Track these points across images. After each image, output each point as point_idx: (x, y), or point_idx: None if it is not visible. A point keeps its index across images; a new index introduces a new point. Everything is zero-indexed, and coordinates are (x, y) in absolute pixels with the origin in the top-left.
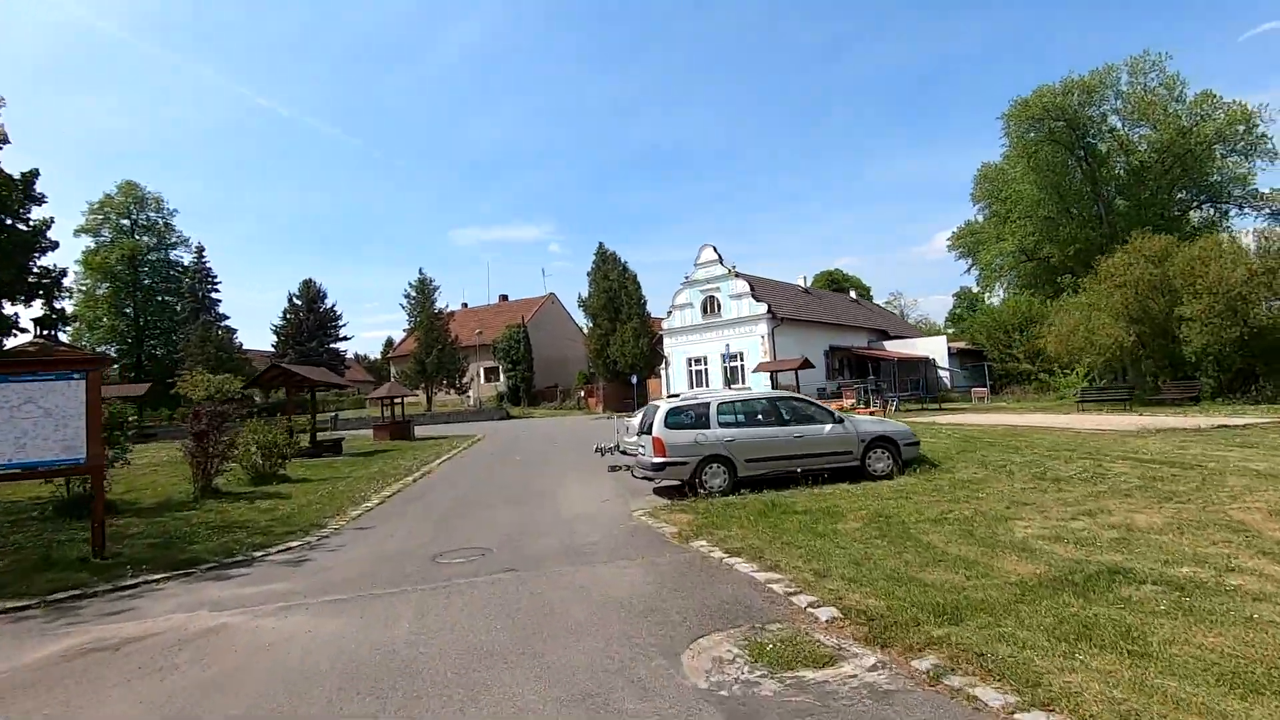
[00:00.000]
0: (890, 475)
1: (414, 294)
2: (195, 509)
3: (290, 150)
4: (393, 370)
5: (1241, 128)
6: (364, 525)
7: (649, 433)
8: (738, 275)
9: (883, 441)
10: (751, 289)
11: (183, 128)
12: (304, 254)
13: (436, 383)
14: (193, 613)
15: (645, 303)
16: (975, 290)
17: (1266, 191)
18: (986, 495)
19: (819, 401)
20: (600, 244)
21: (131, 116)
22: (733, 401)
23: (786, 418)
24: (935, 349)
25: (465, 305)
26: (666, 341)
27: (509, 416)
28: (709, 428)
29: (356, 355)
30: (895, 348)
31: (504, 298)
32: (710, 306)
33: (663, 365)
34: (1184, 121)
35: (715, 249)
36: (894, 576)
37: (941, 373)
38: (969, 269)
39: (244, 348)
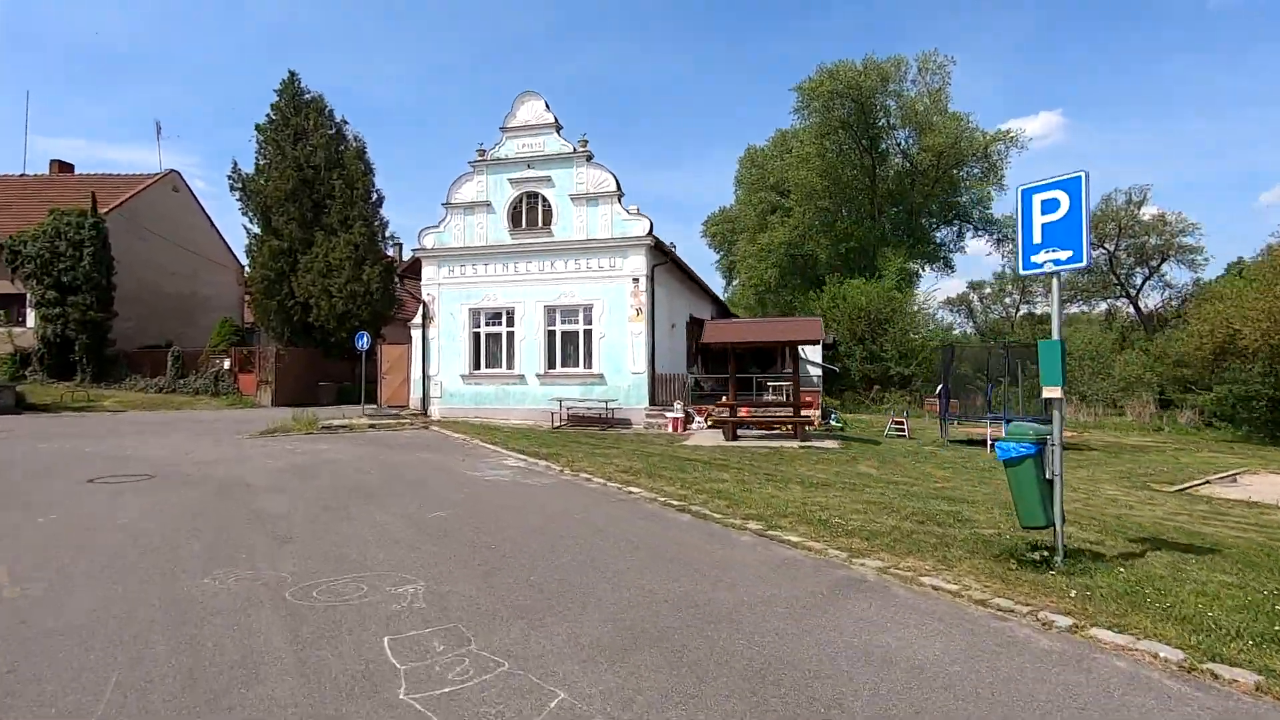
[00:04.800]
0: None
1: None
2: None
3: None
4: None
5: (1002, 146)
6: None
7: None
8: (592, 160)
9: None
10: (618, 189)
11: None
12: None
13: None
14: None
15: (379, 200)
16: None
17: (1000, 217)
18: None
19: None
20: (291, 73)
21: None
22: None
23: None
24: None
25: None
26: (428, 272)
27: (22, 407)
28: None
29: None
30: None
31: (63, 166)
32: (529, 212)
33: (420, 319)
34: (944, 137)
35: (547, 104)
36: None
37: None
38: (721, 258)
39: None
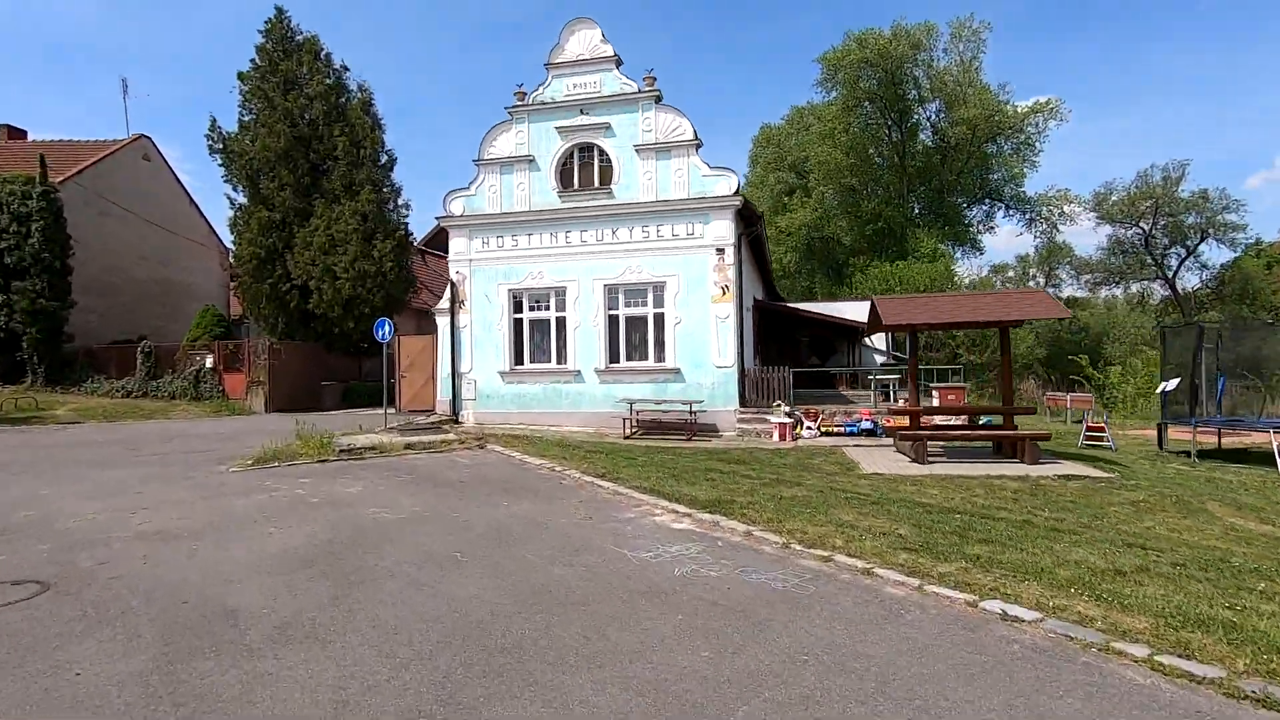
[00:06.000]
0: None
1: None
2: None
3: None
4: None
5: (1039, 118)
6: None
7: None
8: (661, 102)
9: None
10: (695, 137)
11: None
12: None
13: None
14: None
15: (390, 163)
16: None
17: (1033, 195)
18: None
19: None
20: (278, 9)
21: None
22: None
23: None
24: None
25: None
26: (457, 245)
27: None
28: None
29: None
30: (807, 308)
31: (13, 132)
32: (582, 169)
33: (447, 303)
34: (979, 109)
35: (604, 35)
36: None
37: (877, 356)
38: None
39: None
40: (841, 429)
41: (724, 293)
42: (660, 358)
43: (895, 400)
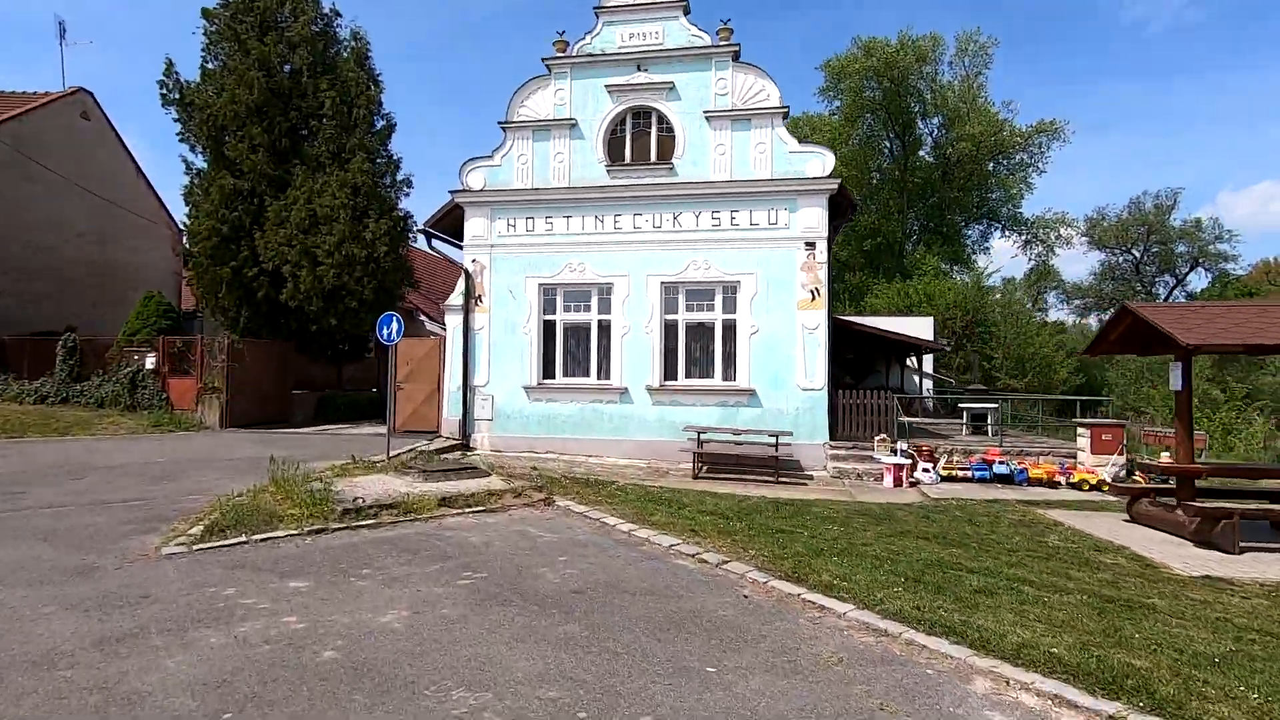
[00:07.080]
0: None
1: None
2: None
3: None
4: None
5: (1043, 138)
6: None
7: None
8: (739, 60)
9: None
10: (781, 105)
11: None
12: None
13: None
14: None
15: (388, 129)
16: None
17: (1030, 216)
18: None
19: None
20: None
21: None
22: None
23: None
24: (916, 333)
25: None
26: (474, 227)
27: None
28: None
29: None
30: (860, 322)
31: None
32: (637, 138)
33: (460, 298)
34: (984, 126)
35: None
36: None
37: (918, 379)
38: None
39: None
40: (968, 473)
41: (814, 297)
42: (730, 375)
43: (992, 435)
